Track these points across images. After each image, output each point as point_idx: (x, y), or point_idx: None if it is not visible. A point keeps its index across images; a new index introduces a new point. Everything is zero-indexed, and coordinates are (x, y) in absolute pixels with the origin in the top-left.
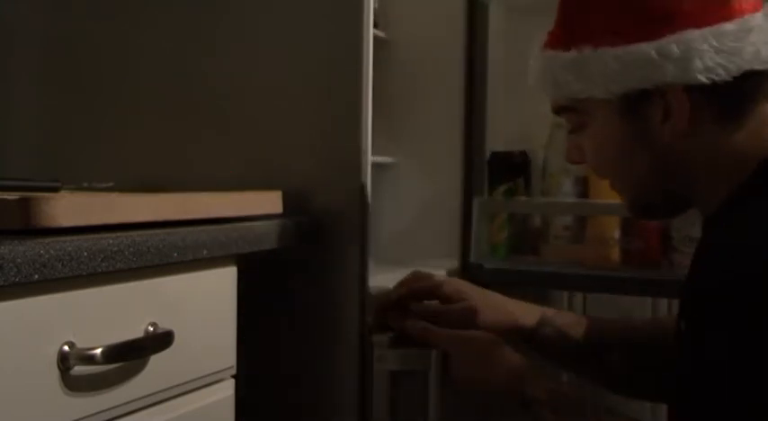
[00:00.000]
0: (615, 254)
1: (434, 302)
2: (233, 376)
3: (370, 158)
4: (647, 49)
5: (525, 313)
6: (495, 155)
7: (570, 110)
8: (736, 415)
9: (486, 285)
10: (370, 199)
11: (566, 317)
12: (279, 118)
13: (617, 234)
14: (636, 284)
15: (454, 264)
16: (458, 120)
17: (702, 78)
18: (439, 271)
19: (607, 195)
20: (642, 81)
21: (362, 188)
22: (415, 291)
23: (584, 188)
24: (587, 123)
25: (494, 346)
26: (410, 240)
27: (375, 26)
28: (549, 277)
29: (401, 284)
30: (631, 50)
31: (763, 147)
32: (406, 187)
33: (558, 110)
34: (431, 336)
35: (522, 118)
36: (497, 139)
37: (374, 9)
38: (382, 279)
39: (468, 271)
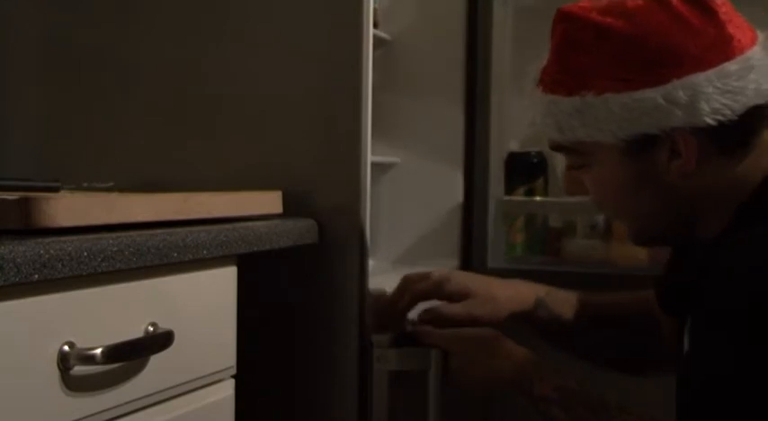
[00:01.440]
0: (642, 252)
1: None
2: (233, 376)
3: (370, 158)
4: (654, 94)
5: (522, 296)
6: (512, 155)
7: (572, 151)
8: None
9: None
10: (369, 199)
11: (558, 296)
12: (279, 118)
13: None
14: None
15: (454, 264)
16: (458, 120)
17: (710, 120)
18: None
19: None
20: (649, 126)
21: (362, 188)
22: (418, 296)
23: None
24: (590, 163)
25: (496, 343)
26: (410, 240)
27: (375, 26)
28: (566, 277)
29: (401, 292)
30: (638, 97)
31: (763, 171)
32: (406, 187)
33: (558, 149)
34: (431, 337)
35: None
36: (511, 140)
37: (374, 9)
38: (382, 279)
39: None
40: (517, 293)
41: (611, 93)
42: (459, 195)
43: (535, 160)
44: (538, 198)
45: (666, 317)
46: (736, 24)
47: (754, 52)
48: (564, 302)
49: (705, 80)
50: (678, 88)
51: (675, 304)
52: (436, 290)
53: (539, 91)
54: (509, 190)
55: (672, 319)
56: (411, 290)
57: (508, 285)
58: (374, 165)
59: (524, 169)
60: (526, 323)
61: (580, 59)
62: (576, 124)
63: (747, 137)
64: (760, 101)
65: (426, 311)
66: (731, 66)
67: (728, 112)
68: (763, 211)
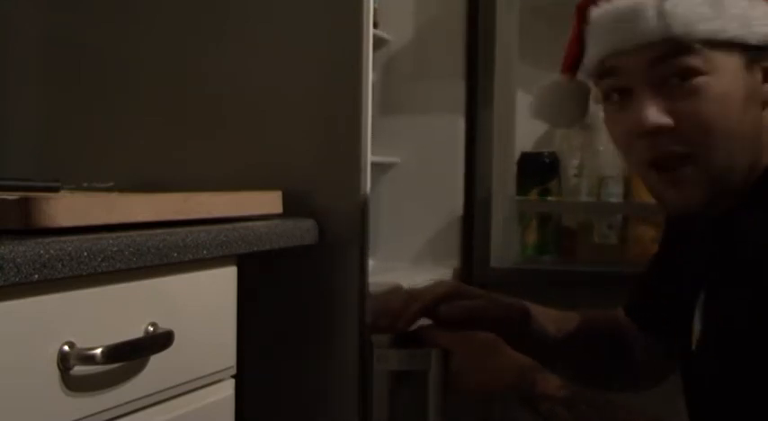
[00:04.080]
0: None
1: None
2: (233, 376)
3: (370, 158)
4: None
5: (512, 309)
6: (524, 156)
7: (694, 54)
8: None
9: (502, 286)
10: (370, 199)
11: (544, 312)
12: (279, 118)
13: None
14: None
15: (455, 263)
16: (459, 120)
17: None
18: (442, 269)
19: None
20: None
21: (362, 188)
22: (435, 298)
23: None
24: (704, 72)
25: (498, 345)
26: (410, 240)
27: (375, 26)
28: (580, 276)
29: (417, 294)
30: None
31: None
32: (406, 187)
33: (673, 54)
34: (434, 336)
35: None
36: (520, 141)
37: (374, 9)
38: (382, 279)
39: (471, 272)
40: (507, 306)
41: None
42: (459, 195)
43: (548, 160)
44: (552, 198)
45: (640, 335)
46: None
47: None
48: (546, 317)
49: None
50: None
51: (665, 312)
52: (452, 292)
53: None
54: (523, 191)
55: (647, 335)
56: (428, 292)
57: (498, 297)
58: (374, 165)
59: (537, 169)
60: (517, 334)
61: None
62: (712, 15)
63: None
64: None
65: (449, 305)
66: None
67: None
68: None
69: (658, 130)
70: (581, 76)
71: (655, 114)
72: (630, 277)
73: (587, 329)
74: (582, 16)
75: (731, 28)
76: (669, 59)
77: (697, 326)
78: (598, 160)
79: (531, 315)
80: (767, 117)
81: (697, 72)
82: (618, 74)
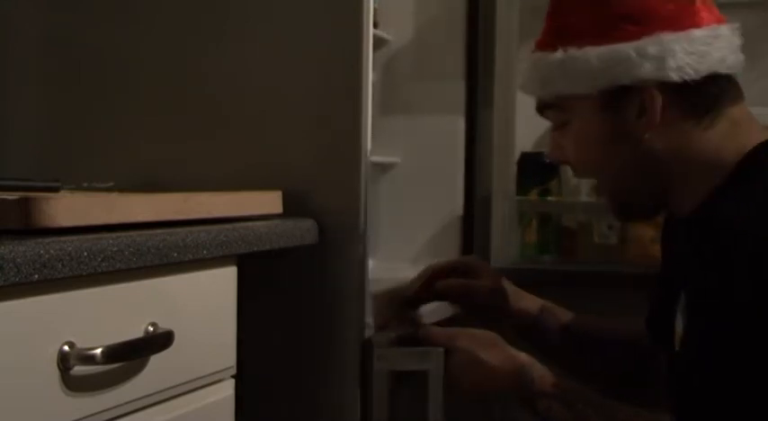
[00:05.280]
0: (657, 251)
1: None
2: (233, 376)
3: (370, 158)
4: (627, 48)
5: (528, 300)
6: (524, 156)
7: (555, 107)
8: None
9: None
10: (369, 199)
11: (559, 309)
12: (279, 118)
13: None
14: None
15: None
16: (459, 120)
17: (674, 76)
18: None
19: None
20: (622, 77)
21: (362, 188)
22: (438, 272)
23: None
24: (570, 121)
25: (497, 343)
26: (410, 240)
27: (375, 26)
28: (579, 276)
29: (426, 270)
30: (613, 49)
31: (736, 148)
32: (406, 187)
33: (543, 108)
34: (433, 335)
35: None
36: (520, 141)
37: (374, 9)
38: (382, 279)
39: None
40: (523, 296)
41: (590, 46)
42: (459, 195)
43: (548, 160)
44: (552, 198)
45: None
46: (707, 4)
47: (722, 28)
48: (564, 315)
49: (673, 39)
50: (648, 44)
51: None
52: (462, 265)
53: (532, 54)
54: (523, 191)
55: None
56: (436, 266)
57: (513, 286)
58: (374, 165)
59: (537, 169)
60: (530, 329)
61: (568, 18)
62: (558, 76)
63: (710, 103)
64: (723, 70)
65: (445, 281)
66: (698, 32)
67: (692, 72)
68: (741, 187)
69: (558, 161)
70: None
71: (552, 150)
72: (630, 277)
73: (617, 338)
74: None
75: (576, 85)
76: (543, 111)
77: (679, 327)
78: None
79: (544, 307)
80: (680, 140)
81: (559, 121)
82: None
